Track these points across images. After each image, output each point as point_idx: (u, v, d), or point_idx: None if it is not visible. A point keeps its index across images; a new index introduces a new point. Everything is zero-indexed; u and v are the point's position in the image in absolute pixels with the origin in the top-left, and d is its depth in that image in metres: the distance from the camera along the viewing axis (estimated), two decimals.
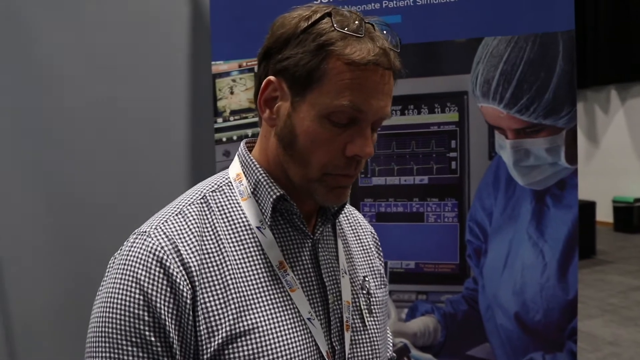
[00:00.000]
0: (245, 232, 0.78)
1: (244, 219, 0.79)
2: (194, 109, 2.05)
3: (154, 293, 0.69)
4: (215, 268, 0.73)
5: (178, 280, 0.70)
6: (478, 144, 1.68)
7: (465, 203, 1.70)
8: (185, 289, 0.70)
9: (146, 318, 0.68)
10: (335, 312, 0.81)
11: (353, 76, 0.71)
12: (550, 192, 1.62)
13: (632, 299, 4.47)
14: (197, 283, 0.71)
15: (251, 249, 0.77)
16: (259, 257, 0.77)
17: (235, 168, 0.84)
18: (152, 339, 0.68)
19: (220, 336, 0.70)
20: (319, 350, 0.77)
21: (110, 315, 0.70)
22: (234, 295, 0.72)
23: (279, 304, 0.75)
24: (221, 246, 0.75)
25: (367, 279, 0.91)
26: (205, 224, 0.76)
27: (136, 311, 0.69)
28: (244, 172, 0.82)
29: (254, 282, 0.75)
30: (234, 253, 0.75)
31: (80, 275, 1.79)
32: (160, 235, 0.73)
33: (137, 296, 0.69)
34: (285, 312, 0.75)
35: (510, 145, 1.64)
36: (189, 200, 0.79)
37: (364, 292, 0.88)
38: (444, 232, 1.71)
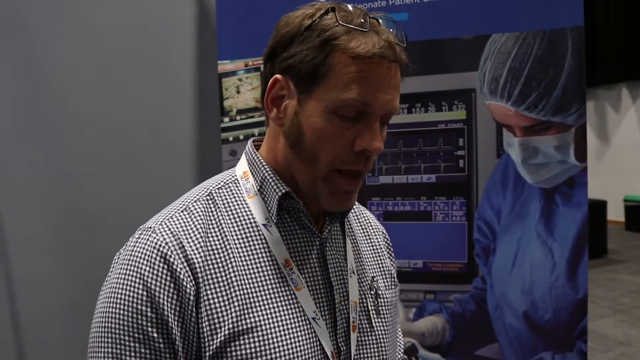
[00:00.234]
0: (251, 229, 0.77)
1: (250, 216, 0.78)
2: (200, 109, 2.05)
3: (157, 289, 0.69)
4: (220, 265, 0.73)
5: (182, 276, 0.70)
6: (486, 141, 1.66)
7: (473, 201, 1.68)
8: (188, 285, 0.70)
9: (149, 314, 0.68)
10: (341, 312, 0.80)
11: (359, 69, 0.71)
12: (560, 190, 1.60)
13: None
14: (200, 279, 0.71)
15: (257, 246, 0.76)
16: (264, 254, 0.76)
17: (242, 166, 0.83)
18: (155, 335, 0.68)
19: (222, 333, 0.70)
20: (323, 350, 0.76)
21: (113, 310, 0.70)
22: (238, 293, 0.72)
23: (283, 303, 0.74)
24: (226, 243, 0.75)
25: (375, 279, 0.90)
26: (210, 220, 0.76)
27: (139, 307, 0.69)
28: (250, 170, 0.82)
29: (258, 279, 0.74)
30: (239, 250, 0.75)
31: (87, 275, 1.79)
32: (165, 231, 0.73)
33: (140, 292, 0.69)
34: (290, 311, 0.75)
35: (519, 143, 1.62)
36: (194, 197, 0.79)
37: (372, 292, 0.87)
38: (452, 231, 1.70)
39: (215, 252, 0.74)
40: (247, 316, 0.71)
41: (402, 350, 1.04)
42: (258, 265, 0.75)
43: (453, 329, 1.70)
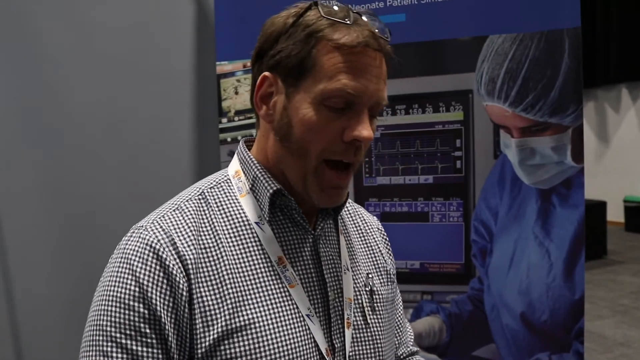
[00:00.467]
0: (243, 228, 0.78)
1: (243, 215, 0.79)
2: (198, 109, 2.05)
3: (150, 284, 0.69)
4: (212, 262, 0.73)
5: (174, 272, 0.70)
6: (483, 142, 1.66)
7: (470, 202, 1.68)
8: (181, 281, 0.70)
9: (141, 310, 0.69)
10: (335, 309, 0.80)
11: (344, 59, 0.72)
12: (556, 191, 1.60)
13: None
14: (193, 276, 0.71)
15: (249, 244, 0.77)
16: (257, 252, 0.77)
17: (234, 165, 0.84)
18: (147, 330, 0.68)
19: (216, 330, 0.70)
20: (317, 347, 0.76)
21: (105, 308, 0.70)
22: (231, 290, 0.72)
23: (277, 300, 0.75)
24: (218, 241, 0.75)
25: (370, 276, 0.90)
26: (202, 219, 0.76)
27: (131, 303, 0.69)
28: (242, 169, 0.83)
29: (251, 277, 0.75)
30: (232, 248, 0.75)
31: (86, 275, 1.79)
32: (157, 228, 0.74)
33: (132, 288, 0.69)
34: (284, 308, 0.75)
35: (516, 144, 1.62)
36: (187, 197, 0.80)
37: (367, 289, 0.88)
38: (449, 231, 1.70)
39: (208, 250, 0.74)
40: (240, 313, 0.72)
41: (411, 342, 1.04)
42: (251, 263, 0.76)
43: (450, 329, 1.70)
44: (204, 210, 0.78)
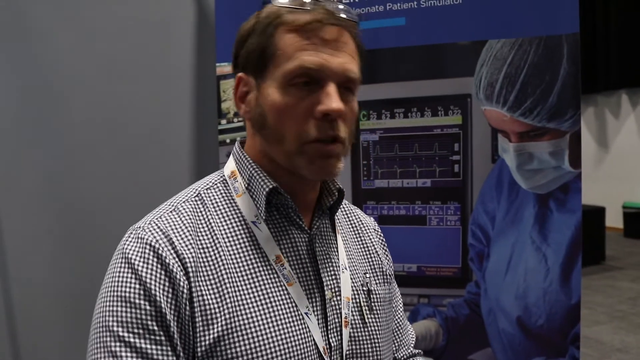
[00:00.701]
0: (240, 227, 0.78)
1: (239, 215, 0.79)
2: (198, 111, 2.05)
3: (153, 282, 0.69)
4: (211, 262, 0.74)
5: (174, 270, 0.71)
6: (481, 147, 1.67)
7: (468, 206, 1.69)
8: (182, 280, 0.71)
9: (147, 307, 0.69)
10: (333, 308, 0.80)
11: (301, 38, 0.74)
12: (554, 196, 1.60)
13: None
14: (192, 276, 0.71)
15: (247, 244, 0.77)
16: (254, 251, 0.77)
17: (230, 166, 0.85)
18: (155, 328, 0.68)
19: (215, 329, 0.70)
20: (316, 345, 0.76)
21: (111, 307, 0.70)
22: (230, 290, 0.73)
23: (275, 298, 0.75)
24: (216, 241, 0.75)
25: (367, 275, 0.90)
26: (199, 219, 0.77)
27: (137, 301, 0.69)
28: (238, 169, 0.83)
29: (249, 276, 0.75)
30: (229, 248, 0.76)
31: (85, 275, 1.79)
32: (154, 229, 0.74)
33: (136, 286, 0.69)
34: (282, 307, 0.75)
35: (514, 148, 1.63)
36: (183, 198, 0.80)
37: (364, 288, 0.88)
38: (446, 235, 1.71)
39: (206, 249, 0.74)
40: (240, 312, 0.72)
41: (413, 344, 1.04)
42: (249, 262, 0.76)
43: (446, 333, 1.70)
44: (200, 211, 0.78)
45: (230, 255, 0.75)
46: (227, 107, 1.92)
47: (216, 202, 0.80)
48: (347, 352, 0.81)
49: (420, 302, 1.73)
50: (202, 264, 0.73)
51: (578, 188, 1.59)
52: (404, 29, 1.71)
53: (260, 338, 0.72)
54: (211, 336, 0.70)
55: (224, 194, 0.81)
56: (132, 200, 1.86)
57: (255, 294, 0.74)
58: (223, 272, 0.73)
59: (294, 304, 0.76)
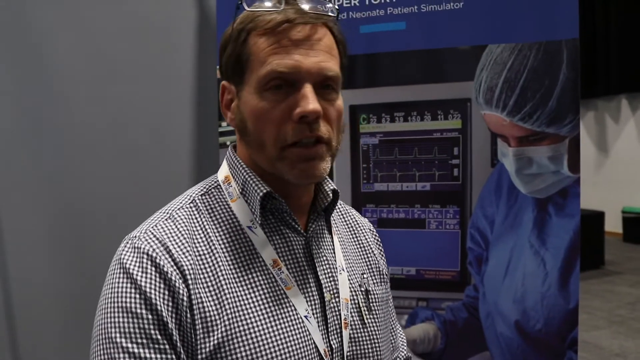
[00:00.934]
0: (236, 233, 0.78)
1: (234, 220, 0.79)
2: (198, 113, 2.06)
3: (152, 291, 0.69)
4: (208, 269, 0.73)
5: (173, 278, 0.70)
6: (480, 151, 1.67)
7: (467, 210, 1.69)
8: (181, 288, 0.70)
9: (149, 316, 0.68)
10: (332, 310, 0.80)
11: (273, 40, 0.73)
12: (553, 200, 1.61)
13: None
14: (190, 283, 0.71)
15: (243, 249, 0.77)
16: (251, 256, 0.77)
17: (223, 171, 0.84)
18: (159, 336, 0.68)
19: (216, 336, 0.70)
20: (316, 348, 0.76)
21: (112, 318, 0.69)
22: (229, 296, 0.72)
23: (274, 303, 0.75)
24: (213, 248, 0.75)
25: (365, 276, 0.90)
26: (195, 226, 0.77)
27: (138, 311, 0.68)
28: (231, 174, 0.83)
29: (247, 281, 0.75)
30: (226, 254, 0.75)
31: (84, 274, 1.80)
32: (150, 237, 0.73)
33: (136, 297, 0.69)
34: (281, 311, 0.75)
35: (513, 153, 1.63)
36: (178, 205, 0.80)
37: (362, 289, 0.88)
38: (445, 239, 1.71)
39: (203, 256, 0.74)
40: (239, 318, 0.72)
41: (405, 348, 1.04)
42: (246, 267, 0.76)
43: (445, 336, 1.71)
44: (196, 218, 0.78)
45: (227, 261, 0.75)
46: None
47: (211, 208, 0.80)
48: (348, 354, 0.81)
49: (419, 305, 1.74)
50: (200, 271, 0.73)
51: (577, 193, 1.60)
52: (405, 34, 1.72)
53: (260, 343, 0.72)
54: (212, 343, 0.70)
55: (218, 200, 0.81)
56: (132, 202, 1.87)
57: (254, 299, 0.74)
58: (221, 278, 0.73)
59: (292, 308, 0.76)
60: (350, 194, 1.78)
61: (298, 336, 0.75)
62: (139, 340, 0.67)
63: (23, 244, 1.76)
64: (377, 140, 1.76)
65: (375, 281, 0.93)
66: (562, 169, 1.60)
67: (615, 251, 6.45)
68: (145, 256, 0.71)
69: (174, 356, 0.68)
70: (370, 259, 0.95)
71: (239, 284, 0.74)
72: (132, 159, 1.93)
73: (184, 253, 0.73)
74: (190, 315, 0.70)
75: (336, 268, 0.84)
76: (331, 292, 0.81)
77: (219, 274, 0.73)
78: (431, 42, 1.71)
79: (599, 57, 7.19)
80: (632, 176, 7.10)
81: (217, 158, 1.95)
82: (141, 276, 0.70)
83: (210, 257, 0.74)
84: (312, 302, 0.79)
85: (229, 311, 0.71)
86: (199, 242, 0.75)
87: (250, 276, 0.75)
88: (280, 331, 0.74)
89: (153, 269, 0.70)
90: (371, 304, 0.88)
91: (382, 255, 1.00)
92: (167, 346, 0.68)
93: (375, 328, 0.87)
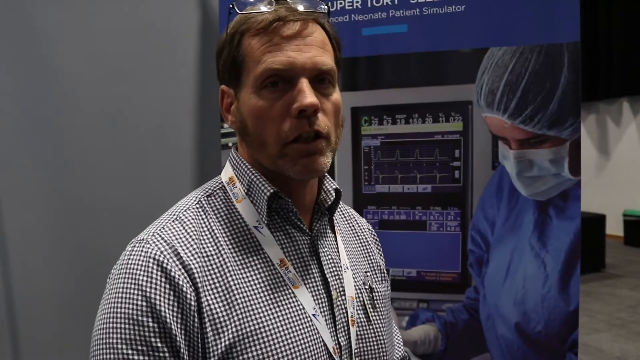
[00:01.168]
0: (242, 233, 0.78)
1: (241, 220, 0.79)
2: (201, 114, 2.07)
3: (158, 298, 0.69)
4: (217, 270, 0.73)
5: (181, 283, 0.70)
6: (482, 153, 1.68)
7: (468, 212, 1.70)
8: (189, 292, 0.70)
9: (151, 324, 0.68)
10: (340, 308, 0.81)
11: (265, 41, 0.75)
12: (553, 203, 1.62)
13: None
14: (200, 286, 0.71)
15: (250, 249, 0.77)
16: (259, 256, 0.77)
17: (227, 172, 0.85)
18: (159, 344, 0.67)
19: (226, 338, 0.70)
20: (325, 346, 0.77)
21: (114, 325, 0.68)
22: (238, 297, 0.73)
23: (283, 302, 0.75)
24: (220, 249, 0.75)
25: (368, 274, 0.91)
26: (202, 227, 0.77)
27: (140, 318, 0.68)
28: (236, 175, 0.83)
29: (256, 282, 0.75)
30: (234, 254, 0.76)
31: (86, 273, 1.81)
32: (158, 240, 0.73)
33: (140, 303, 0.68)
34: (290, 310, 0.75)
35: (514, 155, 1.64)
36: (184, 207, 0.80)
37: (366, 287, 0.89)
38: (446, 240, 1.72)
39: (211, 258, 0.74)
40: (249, 319, 0.72)
41: (401, 348, 1.05)
42: (254, 267, 0.76)
43: (445, 338, 1.71)
44: (203, 219, 0.78)
45: (235, 261, 0.75)
46: None
47: (217, 209, 0.80)
48: (356, 351, 0.82)
49: (420, 306, 1.74)
50: (208, 273, 0.73)
51: (577, 195, 1.60)
52: (406, 36, 1.73)
53: (270, 342, 0.72)
54: (223, 344, 0.70)
55: (224, 201, 0.81)
56: (134, 203, 1.88)
57: (263, 299, 0.74)
58: (230, 279, 0.73)
59: (301, 307, 0.77)
60: (352, 195, 1.78)
61: (307, 334, 0.75)
62: (139, 348, 0.67)
63: (25, 243, 1.77)
64: (378, 142, 1.77)
65: (377, 279, 0.94)
66: (563, 172, 1.61)
67: (616, 254, 6.45)
68: (152, 261, 0.71)
69: None
70: (372, 257, 0.96)
71: (247, 284, 0.74)
72: (135, 160, 1.93)
73: (192, 255, 0.73)
74: (199, 319, 0.70)
75: (341, 266, 0.85)
76: (337, 290, 0.82)
77: (228, 274, 0.74)
78: (433, 45, 1.71)
79: (600, 59, 7.19)
80: (634, 179, 7.09)
81: (219, 159, 1.96)
82: (147, 281, 0.69)
83: (218, 258, 0.75)
84: (320, 301, 0.79)
85: (238, 311, 0.72)
86: (206, 243, 0.75)
87: (258, 276, 0.76)
88: (290, 330, 0.74)
89: (160, 274, 0.70)
90: (375, 302, 0.89)
91: (381, 254, 1.01)
92: (166, 354, 0.68)
93: (380, 325, 0.88)
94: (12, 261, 1.75)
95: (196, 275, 0.71)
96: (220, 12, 1.94)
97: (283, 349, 0.72)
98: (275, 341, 0.72)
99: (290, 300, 0.76)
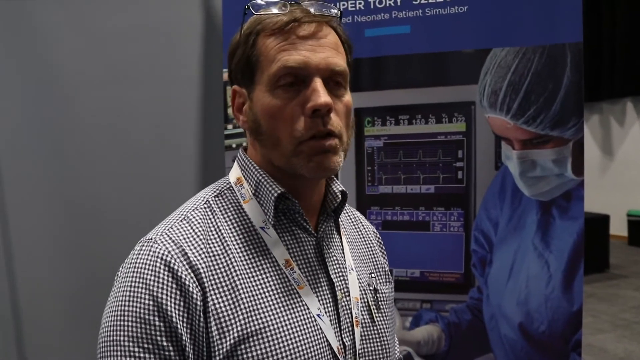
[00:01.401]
0: (249, 233, 0.79)
1: (248, 221, 0.80)
2: (205, 116, 2.07)
3: (164, 297, 0.70)
4: (223, 270, 0.74)
5: (187, 283, 0.71)
6: (485, 154, 1.68)
7: (471, 213, 1.70)
8: (195, 292, 0.71)
9: (157, 323, 0.69)
10: (344, 308, 0.82)
11: (281, 39, 0.76)
12: (556, 203, 1.62)
13: None
14: (206, 285, 0.72)
15: (257, 249, 0.78)
16: (265, 256, 0.78)
17: (235, 173, 0.85)
18: (165, 343, 0.69)
19: (231, 337, 0.71)
20: (330, 346, 0.78)
21: (121, 322, 0.70)
22: (243, 296, 0.73)
23: (288, 302, 0.76)
24: (227, 248, 0.76)
25: (372, 275, 0.92)
26: (210, 227, 0.78)
27: (147, 317, 0.69)
28: (243, 176, 0.84)
29: (261, 281, 0.76)
30: (240, 254, 0.77)
31: (90, 275, 1.82)
32: (166, 240, 0.74)
33: (147, 301, 0.69)
34: (295, 310, 0.76)
35: (517, 156, 1.64)
36: (192, 206, 0.81)
37: (371, 288, 0.90)
38: (449, 241, 1.72)
39: (218, 257, 0.75)
40: (254, 318, 0.73)
41: (397, 349, 1.05)
42: (260, 267, 0.77)
43: (449, 338, 1.71)
44: (210, 219, 0.79)
45: (241, 261, 0.76)
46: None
47: (224, 209, 0.81)
48: (360, 351, 0.82)
49: (423, 307, 1.74)
50: (215, 272, 0.74)
51: (580, 196, 1.60)
52: (409, 37, 1.73)
53: (275, 342, 0.73)
54: (228, 343, 0.71)
55: (231, 201, 0.82)
56: (138, 204, 1.89)
57: (268, 299, 0.75)
58: (235, 278, 0.74)
59: (305, 307, 0.77)
60: (355, 196, 1.79)
61: (311, 334, 0.76)
62: (145, 346, 0.68)
63: (30, 244, 1.78)
64: (381, 143, 1.77)
65: (381, 280, 0.94)
66: (566, 172, 1.61)
67: (621, 255, 6.42)
68: (159, 260, 0.72)
69: None
70: (376, 258, 0.97)
71: (253, 284, 0.75)
72: (139, 161, 1.94)
73: (199, 255, 0.74)
74: (204, 318, 0.71)
75: (346, 268, 0.86)
76: (342, 290, 0.83)
77: (234, 274, 0.75)
78: (435, 46, 1.72)
79: (604, 59, 7.17)
80: (637, 179, 7.07)
81: (223, 161, 1.96)
82: (154, 281, 0.71)
83: (224, 257, 0.75)
84: (325, 301, 0.80)
85: (244, 311, 0.73)
86: (213, 243, 0.76)
87: (263, 276, 0.76)
88: (294, 330, 0.75)
89: (167, 274, 0.71)
90: (379, 303, 0.90)
91: (384, 256, 1.02)
92: (172, 353, 0.69)
93: (384, 326, 0.88)
94: (17, 263, 1.76)
95: (203, 275, 0.72)
96: (223, 14, 1.94)
97: (287, 348, 0.73)
98: (280, 340, 0.73)
99: (295, 301, 0.77)
